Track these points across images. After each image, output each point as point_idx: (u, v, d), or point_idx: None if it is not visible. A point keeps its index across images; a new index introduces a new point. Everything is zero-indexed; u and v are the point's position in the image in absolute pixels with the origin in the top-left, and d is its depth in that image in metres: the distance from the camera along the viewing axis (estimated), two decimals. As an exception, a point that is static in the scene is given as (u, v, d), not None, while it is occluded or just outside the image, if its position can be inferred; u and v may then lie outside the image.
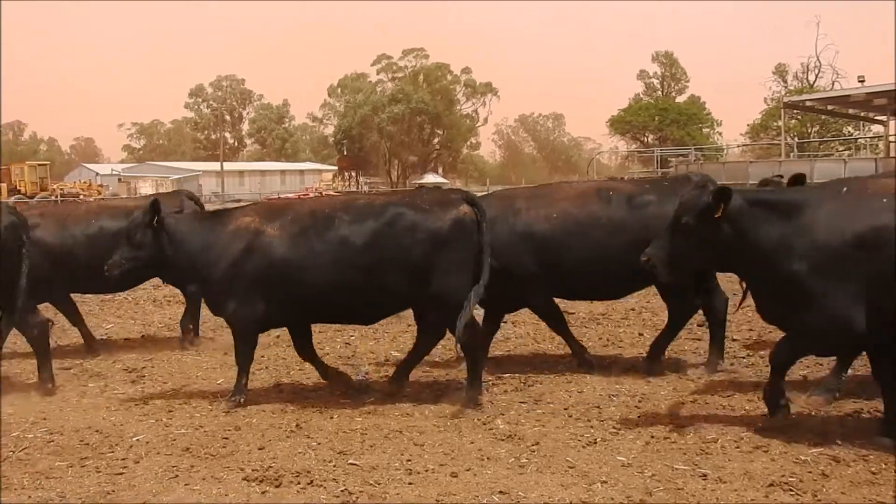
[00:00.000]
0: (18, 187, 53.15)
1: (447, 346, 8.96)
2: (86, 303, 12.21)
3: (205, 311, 9.10)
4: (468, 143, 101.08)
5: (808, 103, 42.02)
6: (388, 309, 7.14)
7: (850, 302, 5.33)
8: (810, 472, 5.10)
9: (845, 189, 5.70)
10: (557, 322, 8.01)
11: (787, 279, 5.52)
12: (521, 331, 9.73)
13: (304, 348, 7.49)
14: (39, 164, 58.42)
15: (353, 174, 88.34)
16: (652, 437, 5.84)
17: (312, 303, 6.85)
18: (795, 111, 51.54)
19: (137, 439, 6.11)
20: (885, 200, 5.35)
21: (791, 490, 4.87)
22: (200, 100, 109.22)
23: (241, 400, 6.93)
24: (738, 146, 67.21)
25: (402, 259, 6.62)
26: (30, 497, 5.06)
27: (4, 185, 52.88)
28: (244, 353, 7.08)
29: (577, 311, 10.65)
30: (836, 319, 5.40)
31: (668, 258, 5.94)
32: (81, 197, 52.74)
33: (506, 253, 7.32)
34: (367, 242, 6.64)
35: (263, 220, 6.92)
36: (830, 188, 5.91)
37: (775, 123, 61.78)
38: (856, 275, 5.30)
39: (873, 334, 5.38)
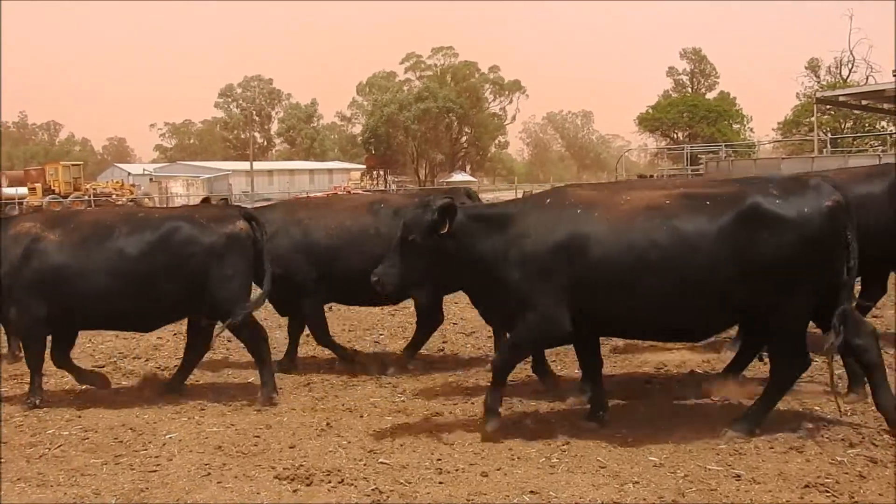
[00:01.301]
0: (53, 187, 53.79)
1: (476, 346, 8.97)
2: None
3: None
4: (496, 141, 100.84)
5: (841, 98, 41.43)
6: (163, 317, 7.34)
7: (556, 303, 5.67)
8: (847, 474, 5.03)
9: (549, 200, 5.98)
10: (320, 329, 8.29)
11: (502, 287, 5.80)
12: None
13: (62, 355, 7.57)
14: (73, 165, 59.00)
15: (381, 173, 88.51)
16: (684, 437, 5.79)
17: (87, 309, 7.01)
18: (828, 106, 50.84)
19: (170, 437, 6.18)
20: (578, 211, 5.72)
21: (827, 491, 4.80)
22: (230, 100, 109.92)
23: (37, 402, 7.09)
24: (770, 142, 66.42)
25: (176, 271, 6.89)
26: (66, 493, 5.13)
27: (39, 185, 53.56)
28: (32, 356, 7.21)
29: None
30: (545, 320, 5.72)
31: (398, 277, 5.96)
32: (113, 197, 53.47)
33: (285, 260, 7.71)
34: (142, 253, 6.87)
35: (44, 228, 7.07)
36: (534, 200, 6.23)
37: (808, 119, 60.98)
38: (559, 278, 5.63)
39: (577, 331, 5.79)
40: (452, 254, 5.87)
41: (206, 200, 9.49)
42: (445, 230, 5.75)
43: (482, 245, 5.83)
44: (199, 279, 6.92)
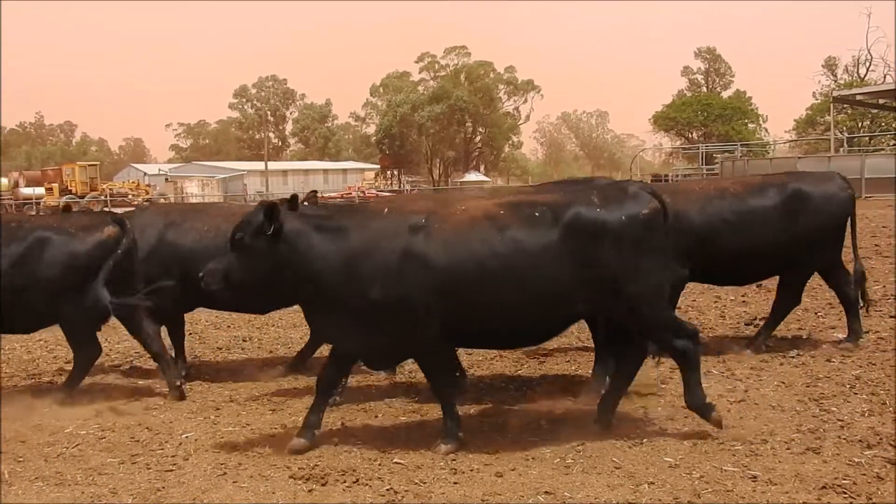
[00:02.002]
0: (69, 187, 54.18)
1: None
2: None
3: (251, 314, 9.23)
4: (510, 141, 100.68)
5: (858, 97, 41.24)
6: (36, 323, 7.32)
7: (404, 315, 5.55)
8: (864, 475, 4.99)
9: (387, 210, 5.86)
10: (174, 333, 8.31)
11: (341, 298, 5.61)
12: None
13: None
14: (90, 165, 59.46)
15: (395, 173, 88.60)
16: (700, 437, 5.77)
17: None
18: (845, 105, 50.57)
19: (186, 437, 6.21)
20: (422, 220, 5.62)
21: (844, 493, 4.77)
22: (244, 100, 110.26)
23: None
24: (786, 142, 66.12)
25: (47, 278, 6.90)
26: (83, 493, 5.16)
27: (56, 185, 53.97)
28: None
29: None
30: (419, 335, 5.64)
31: (224, 276, 5.83)
32: (130, 197, 53.80)
33: (153, 264, 7.65)
34: (12, 263, 6.87)
35: None
36: (374, 208, 6.09)
37: (824, 118, 60.66)
38: (400, 290, 5.51)
39: (426, 344, 5.72)
40: (284, 259, 5.66)
41: (66, 209, 9.67)
42: (270, 231, 5.59)
43: (317, 252, 5.64)
44: (67, 286, 6.94)
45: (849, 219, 8.21)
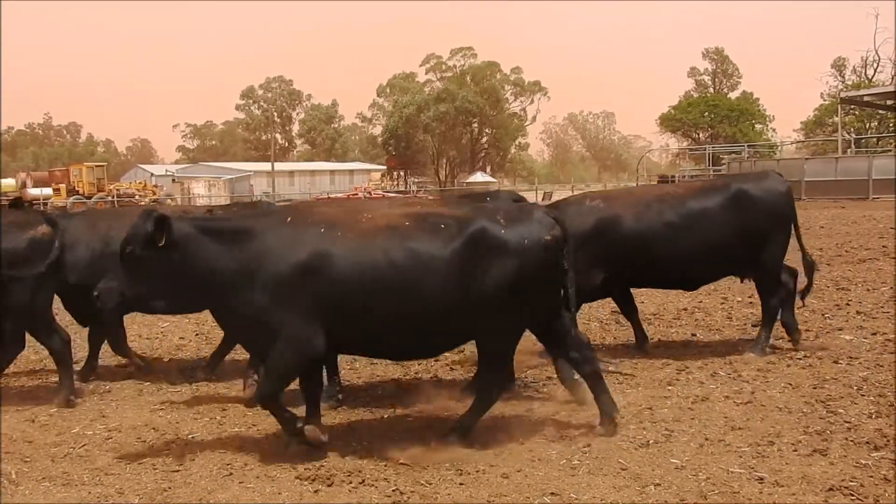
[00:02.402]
0: (77, 188, 54.35)
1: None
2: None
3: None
4: (516, 142, 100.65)
5: (866, 98, 41.14)
6: None
7: (304, 323, 5.49)
8: (871, 477, 4.98)
9: (290, 217, 5.78)
10: (115, 338, 8.33)
11: (245, 308, 5.53)
12: (571, 331, 9.65)
13: None
14: (97, 166, 59.61)
15: (402, 174, 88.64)
16: (706, 439, 5.76)
17: None
18: (853, 106, 50.44)
19: (192, 437, 6.22)
20: (322, 230, 5.59)
21: (852, 495, 4.76)
22: (251, 101, 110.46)
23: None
24: (793, 143, 65.96)
25: None
26: (90, 493, 5.17)
27: (64, 186, 54.14)
28: None
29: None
30: (295, 343, 5.51)
31: (117, 293, 5.73)
32: (137, 197, 53.92)
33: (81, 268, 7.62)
34: None
35: None
36: (276, 216, 5.94)
37: (832, 119, 60.47)
38: (303, 297, 5.45)
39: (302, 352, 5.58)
40: (181, 269, 5.56)
41: (14, 204, 9.56)
42: (162, 242, 5.48)
43: (215, 261, 5.57)
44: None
45: (791, 216, 8.23)
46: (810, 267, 8.47)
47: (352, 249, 5.50)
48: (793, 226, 8.20)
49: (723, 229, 7.86)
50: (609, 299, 10.15)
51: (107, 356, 9.05)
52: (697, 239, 7.82)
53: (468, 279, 5.48)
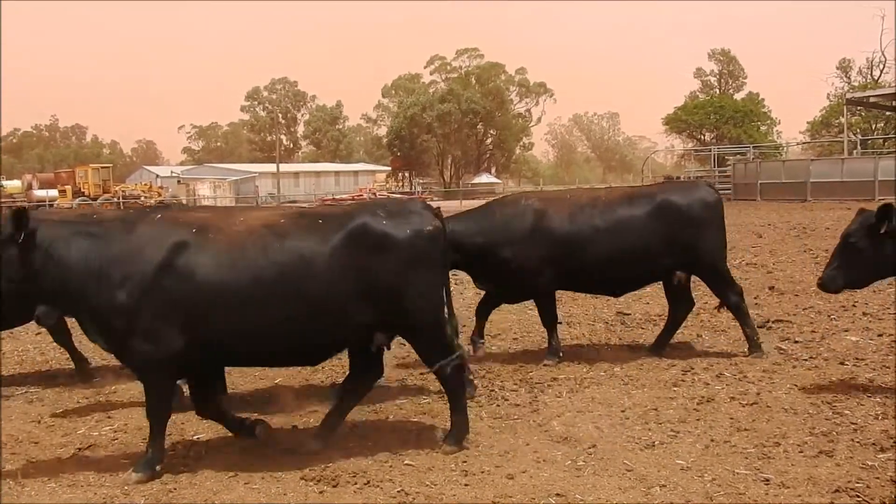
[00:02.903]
0: (82, 189, 54.50)
1: (501, 348, 8.96)
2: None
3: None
4: (521, 143, 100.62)
5: (871, 99, 41.05)
6: None
7: (166, 328, 5.26)
8: (878, 478, 4.96)
9: (159, 216, 5.58)
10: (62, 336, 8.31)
11: (106, 309, 5.27)
12: (576, 332, 9.66)
13: None
14: (102, 167, 59.81)
15: (407, 174, 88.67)
16: (712, 440, 5.75)
17: None
18: (859, 107, 50.32)
19: (198, 438, 6.22)
20: (193, 230, 5.37)
21: (857, 496, 4.74)
22: (256, 102, 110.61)
23: None
24: (798, 144, 65.81)
25: None
26: (95, 493, 5.18)
27: (69, 187, 54.29)
28: None
29: (632, 311, 10.55)
30: (154, 348, 5.28)
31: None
32: (142, 198, 54.05)
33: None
34: None
35: None
36: (144, 216, 5.65)
37: (837, 120, 60.33)
38: (167, 301, 5.24)
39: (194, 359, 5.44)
40: (42, 269, 5.26)
41: None
42: (20, 239, 5.22)
43: (74, 261, 5.28)
44: None
45: (723, 226, 8.32)
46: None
47: (221, 250, 5.33)
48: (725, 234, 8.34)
49: (648, 237, 7.94)
50: (610, 299, 10.16)
51: (111, 358, 9.05)
52: (623, 245, 7.91)
53: (353, 276, 5.41)
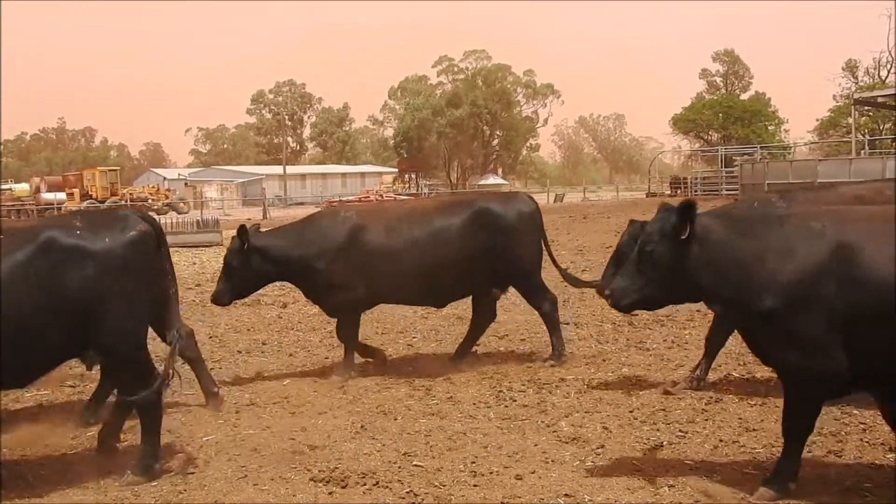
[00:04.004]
0: (90, 192, 54.62)
1: (509, 349, 8.97)
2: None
3: (264, 313, 9.34)
4: (528, 144, 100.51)
5: (879, 99, 40.84)
6: None
7: None
8: (887, 478, 4.95)
9: None
10: None
11: None
12: (583, 332, 9.66)
13: None
14: (110, 170, 59.84)
15: (414, 176, 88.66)
16: (720, 440, 5.75)
17: None
18: (866, 107, 50.10)
19: (207, 440, 6.24)
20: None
21: (867, 496, 4.74)
22: (262, 105, 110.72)
23: None
24: (806, 144, 65.58)
25: None
26: (105, 495, 5.20)
27: (77, 190, 54.42)
28: None
29: (640, 313, 10.52)
30: None
31: None
32: (150, 201, 54.18)
33: None
34: None
35: None
36: None
37: (845, 120, 60.10)
38: None
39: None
40: None
41: None
42: None
43: None
44: None
45: (540, 237, 8.38)
46: (570, 280, 8.67)
47: None
48: (543, 244, 8.43)
49: (465, 247, 7.92)
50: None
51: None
52: (440, 256, 7.88)
53: (50, 291, 5.07)
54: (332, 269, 7.91)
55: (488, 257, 8.01)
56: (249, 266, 7.95)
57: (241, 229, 7.95)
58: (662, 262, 4.86)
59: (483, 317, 8.57)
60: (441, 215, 8.08)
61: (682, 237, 4.78)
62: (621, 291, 5.04)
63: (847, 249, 4.47)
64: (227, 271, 8.10)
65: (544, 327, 8.43)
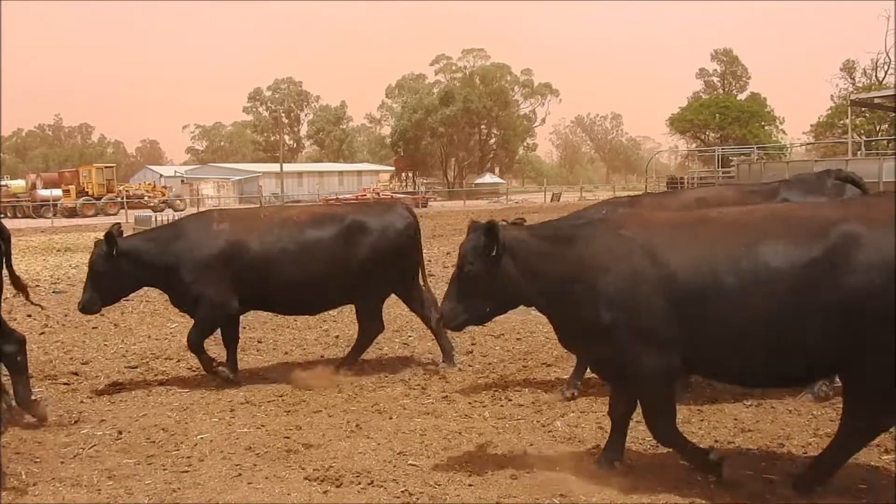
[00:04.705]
0: (86, 189, 54.55)
1: (505, 348, 8.95)
2: (151, 302, 12.50)
3: (267, 316, 9.31)
4: (525, 143, 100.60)
5: (876, 100, 40.88)
6: None
7: None
8: (882, 479, 4.95)
9: None
10: None
11: None
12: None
13: None
14: (106, 167, 59.77)
15: (410, 175, 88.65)
16: (716, 441, 5.74)
17: None
18: (863, 108, 50.17)
19: (202, 438, 6.23)
20: None
21: (862, 497, 4.73)
22: (259, 103, 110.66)
23: None
24: (802, 144, 65.64)
25: None
26: (100, 492, 5.19)
27: (73, 187, 54.35)
28: None
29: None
30: None
31: None
32: (146, 198, 54.13)
33: None
34: None
35: None
36: None
37: (842, 121, 60.19)
38: None
39: None
40: None
41: None
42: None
43: None
44: None
45: (415, 249, 8.33)
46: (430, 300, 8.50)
47: None
48: (418, 258, 8.40)
49: (336, 259, 7.84)
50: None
51: (115, 358, 9.10)
52: (311, 266, 7.78)
53: None
54: (200, 275, 7.68)
55: (361, 269, 7.89)
56: (118, 271, 7.66)
57: (109, 234, 7.61)
58: (481, 279, 5.14)
59: (369, 326, 8.35)
60: (313, 227, 7.94)
61: (493, 254, 5.06)
62: (450, 313, 5.30)
63: (651, 251, 4.72)
64: (95, 277, 7.73)
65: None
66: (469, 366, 8.23)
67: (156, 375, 8.35)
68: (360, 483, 5.19)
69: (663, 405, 4.95)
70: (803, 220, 4.62)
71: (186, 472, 5.51)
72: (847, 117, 49.11)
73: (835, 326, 4.38)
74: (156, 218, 35.92)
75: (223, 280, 7.73)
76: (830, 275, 4.37)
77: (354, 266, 7.90)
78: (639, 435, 5.89)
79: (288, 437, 6.13)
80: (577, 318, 4.91)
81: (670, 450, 5.57)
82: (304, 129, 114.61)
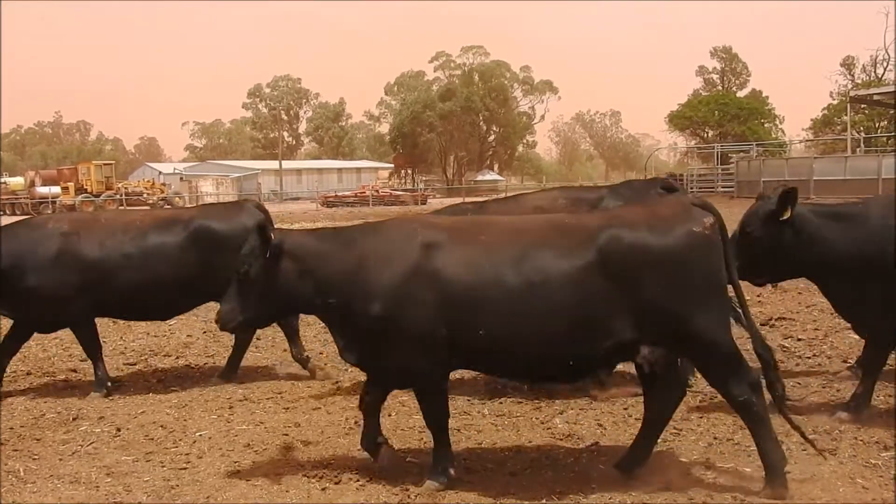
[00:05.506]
0: (85, 186, 54.47)
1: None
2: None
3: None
4: (524, 140, 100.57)
5: (875, 97, 40.94)
6: None
7: None
8: (881, 476, 4.95)
9: None
10: None
11: None
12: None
13: None
14: (105, 164, 59.65)
15: (410, 172, 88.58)
16: (715, 438, 5.74)
17: None
18: (862, 105, 50.19)
19: (200, 435, 6.22)
20: None
21: (860, 494, 4.72)
22: (258, 100, 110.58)
23: None
24: (802, 141, 65.62)
25: None
26: (98, 489, 5.18)
27: (72, 184, 54.27)
28: None
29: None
30: None
31: None
32: (145, 195, 54.08)
33: None
34: None
35: None
36: None
37: (841, 118, 60.17)
38: None
39: None
40: None
41: None
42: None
43: None
44: None
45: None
46: None
47: None
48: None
49: (181, 262, 7.60)
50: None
51: (113, 354, 9.09)
52: (154, 271, 7.55)
53: None
54: (37, 282, 7.37)
55: (209, 271, 7.52)
56: None
57: None
58: (258, 281, 5.14)
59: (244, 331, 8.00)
60: (156, 231, 7.69)
61: (267, 256, 5.08)
62: (227, 314, 5.24)
63: (430, 250, 4.85)
64: None
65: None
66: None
67: (154, 372, 8.34)
68: (358, 480, 5.19)
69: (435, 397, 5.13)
70: (571, 228, 4.87)
71: (185, 469, 5.51)
72: (846, 114, 49.09)
73: (599, 324, 4.67)
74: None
75: (62, 285, 7.41)
76: (590, 279, 4.66)
77: (204, 268, 7.57)
78: (637, 432, 5.88)
79: (287, 435, 6.13)
80: (352, 319, 4.97)
81: (668, 446, 5.59)
82: (303, 126, 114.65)
